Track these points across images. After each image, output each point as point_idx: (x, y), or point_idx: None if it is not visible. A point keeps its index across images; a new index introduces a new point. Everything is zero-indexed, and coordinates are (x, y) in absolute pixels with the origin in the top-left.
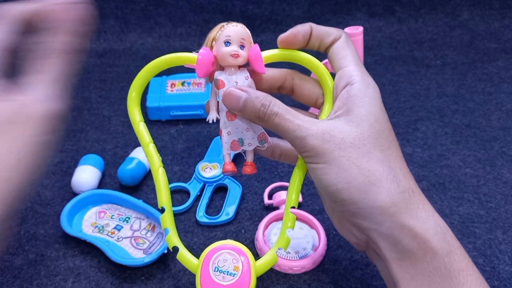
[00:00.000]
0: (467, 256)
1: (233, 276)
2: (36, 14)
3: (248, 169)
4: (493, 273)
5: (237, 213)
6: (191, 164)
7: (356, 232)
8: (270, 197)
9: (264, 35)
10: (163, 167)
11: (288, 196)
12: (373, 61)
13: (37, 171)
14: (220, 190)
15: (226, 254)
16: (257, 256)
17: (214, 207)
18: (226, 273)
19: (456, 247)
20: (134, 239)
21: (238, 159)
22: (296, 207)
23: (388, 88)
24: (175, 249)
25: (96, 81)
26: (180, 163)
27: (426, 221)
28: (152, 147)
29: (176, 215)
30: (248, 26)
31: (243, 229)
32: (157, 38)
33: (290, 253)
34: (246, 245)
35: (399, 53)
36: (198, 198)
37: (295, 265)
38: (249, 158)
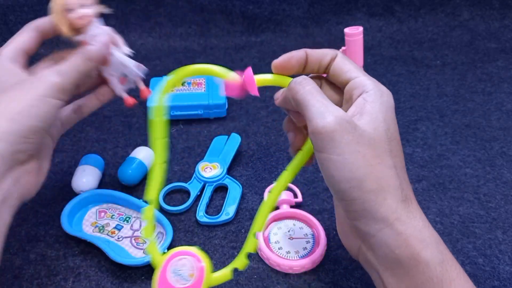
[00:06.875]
0: (459, 266)
1: (186, 281)
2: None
3: (146, 93)
4: (493, 273)
5: (237, 213)
6: (191, 164)
7: (353, 236)
8: None
9: (264, 35)
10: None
11: (256, 221)
12: (373, 61)
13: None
14: (220, 190)
15: (186, 260)
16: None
17: (214, 207)
18: (181, 276)
19: (449, 257)
20: (134, 239)
21: (238, 158)
22: (262, 232)
23: (388, 88)
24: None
25: None
26: (180, 163)
27: (422, 231)
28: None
29: (176, 215)
30: (248, 26)
31: (243, 229)
32: (157, 38)
33: (290, 253)
34: None
35: (399, 53)
36: (198, 198)
37: (295, 265)
38: (141, 85)
